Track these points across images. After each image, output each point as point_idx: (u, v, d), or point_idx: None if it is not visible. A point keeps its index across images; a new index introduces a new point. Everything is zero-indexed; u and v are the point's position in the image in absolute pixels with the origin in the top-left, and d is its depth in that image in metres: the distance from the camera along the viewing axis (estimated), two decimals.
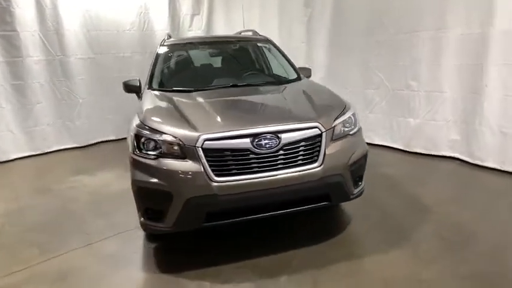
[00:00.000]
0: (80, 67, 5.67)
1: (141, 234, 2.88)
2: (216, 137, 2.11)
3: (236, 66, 3.66)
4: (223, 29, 6.81)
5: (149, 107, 2.54)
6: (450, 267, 2.22)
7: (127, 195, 3.55)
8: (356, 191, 2.45)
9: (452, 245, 2.47)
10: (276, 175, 2.14)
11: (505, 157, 3.60)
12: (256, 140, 2.12)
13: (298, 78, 3.35)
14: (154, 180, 2.12)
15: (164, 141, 2.16)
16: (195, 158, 2.09)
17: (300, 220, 2.88)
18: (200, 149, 2.08)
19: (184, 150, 2.11)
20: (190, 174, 2.07)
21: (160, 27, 6.33)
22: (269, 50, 3.82)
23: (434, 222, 2.78)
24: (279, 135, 2.16)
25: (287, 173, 2.15)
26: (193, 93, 2.87)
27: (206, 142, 2.10)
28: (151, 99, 2.73)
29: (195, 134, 2.12)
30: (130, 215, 3.17)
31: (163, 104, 2.63)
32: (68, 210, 3.47)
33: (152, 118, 2.32)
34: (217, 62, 3.77)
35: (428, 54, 4.06)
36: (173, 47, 3.67)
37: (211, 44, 3.85)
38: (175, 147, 2.13)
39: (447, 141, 4.13)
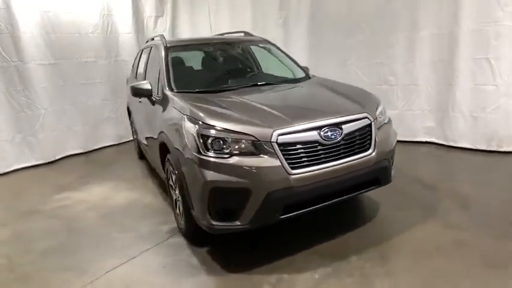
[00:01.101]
0: (40, 74, 5.15)
1: (180, 240, 2.83)
2: (289, 131, 2.22)
3: (244, 66, 3.75)
4: (188, 32, 6.76)
5: (198, 107, 2.50)
6: (480, 228, 2.63)
7: (138, 205, 3.46)
8: (393, 173, 2.75)
9: (473, 211, 2.91)
10: (340, 163, 2.32)
11: (476, 137, 4.27)
12: (323, 132, 2.28)
13: (308, 77, 3.57)
14: (232, 178, 2.14)
15: (237, 139, 2.20)
16: (271, 153, 2.16)
17: (333, 210, 3.08)
18: (275, 144, 2.17)
19: (258, 146, 2.18)
20: (269, 169, 2.14)
21: (125, 29, 6.05)
22: (269, 50, 3.97)
23: (447, 197, 3.21)
24: (341, 126, 2.35)
25: (349, 161, 2.35)
26: (226, 93, 2.92)
27: (280, 137, 2.19)
28: (189, 100, 2.69)
29: (268, 129, 2.20)
30: (156, 225, 3.11)
31: (210, 104, 2.62)
32: (77, 229, 3.20)
33: (215, 118, 2.32)
34: (225, 62, 3.80)
35: (404, 52, 4.61)
36: (179, 48, 3.61)
37: (215, 45, 3.86)
38: (248, 144, 2.18)
39: (423, 128, 4.73)
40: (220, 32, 4.74)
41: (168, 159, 2.85)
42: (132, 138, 5.74)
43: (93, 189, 4.15)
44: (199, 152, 2.23)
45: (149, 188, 4.06)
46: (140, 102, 3.90)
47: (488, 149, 4.20)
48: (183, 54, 3.65)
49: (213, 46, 3.83)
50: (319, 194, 2.31)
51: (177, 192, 2.80)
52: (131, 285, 2.34)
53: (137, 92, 3.29)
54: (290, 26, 5.57)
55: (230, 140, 2.20)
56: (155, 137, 3.18)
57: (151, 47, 4.12)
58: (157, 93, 3.26)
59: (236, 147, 2.19)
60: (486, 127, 4.16)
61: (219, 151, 2.20)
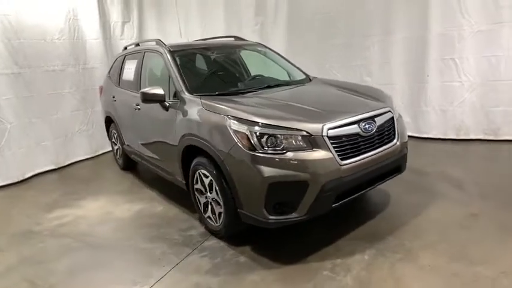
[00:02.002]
0: (2, 85, 4.72)
1: (216, 242, 2.88)
2: (336, 125, 2.43)
3: (250, 69, 3.88)
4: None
5: (240, 108, 2.60)
6: (482, 202, 3.10)
7: (148, 215, 3.46)
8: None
9: (469, 189, 3.40)
10: (376, 153, 2.60)
11: (446, 128, 4.91)
12: (362, 125, 2.54)
13: (309, 78, 3.83)
14: (290, 172, 2.28)
15: (290, 135, 2.35)
16: (323, 146, 2.35)
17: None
18: (326, 137, 2.37)
19: (311, 141, 2.35)
20: (323, 162, 2.32)
21: (92, 35, 5.79)
22: (265, 53, 4.16)
23: (439, 180, 3.67)
24: (374, 119, 2.64)
25: (382, 150, 2.64)
26: (249, 95, 3.06)
27: (329, 131, 2.39)
28: (222, 102, 2.77)
29: (318, 124, 2.39)
30: (182, 231, 3.14)
31: (249, 104, 2.73)
32: (98, 244, 3.06)
33: (265, 116, 2.44)
34: (230, 65, 3.90)
35: (379, 54, 5.13)
36: (184, 53, 3.64)
37: (217, 49, 3.95)
38: (301, 139, 2.35)
39: None
40: (203, 37, 4.81)
41: (198, 163, 2.88)
42: (111, 149, 5.51)
43: (88, 205, 3.93)
44: (254, 150, 2.34)
45: (151, 197, 3.98)
46: (138, 109, 3.83)
47: (457, 137, 4.86)
48: (188, 58, 3.67)
49: (215, 50, 3.91)
50: (361, 182, 2.56)
51: (210, 194, 2.85)
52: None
53: (149, 98, 3.24)
54: (267, 32, 5.84)
55: (284, 136, 2.35)
56: (173, 142, 3.18)
57: (144, 52, 4.06)
58: (169, 98, 3.26)
59: (289, 142, 2.35)
60: (454, 119, 4.82)
61: (274, 148, 2.34)
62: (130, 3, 6.44)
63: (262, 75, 3.80)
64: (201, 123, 2.78)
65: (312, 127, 2.38)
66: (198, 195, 3.05)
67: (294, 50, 5.62)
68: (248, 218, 2.53)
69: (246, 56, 4.13)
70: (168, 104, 3.23)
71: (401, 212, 3.08)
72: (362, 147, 2.54)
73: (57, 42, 5.31)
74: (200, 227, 3.15)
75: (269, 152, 2.33)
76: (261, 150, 2.34)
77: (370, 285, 2.22)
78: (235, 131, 2.45)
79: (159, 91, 3.20)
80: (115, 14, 6.21)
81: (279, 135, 2.35)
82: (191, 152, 3.01)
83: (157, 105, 3.37)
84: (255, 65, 4.05)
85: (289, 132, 2.36)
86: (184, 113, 3.00)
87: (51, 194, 4.35)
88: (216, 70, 3.78)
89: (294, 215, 2.38)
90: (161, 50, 3.61)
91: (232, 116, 2.52)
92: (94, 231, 3.30)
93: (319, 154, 2.34)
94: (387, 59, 5.09)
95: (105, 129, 5.82)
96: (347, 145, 2.46)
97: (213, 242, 2.90)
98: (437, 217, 2.95)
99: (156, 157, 3.67)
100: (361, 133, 2.53)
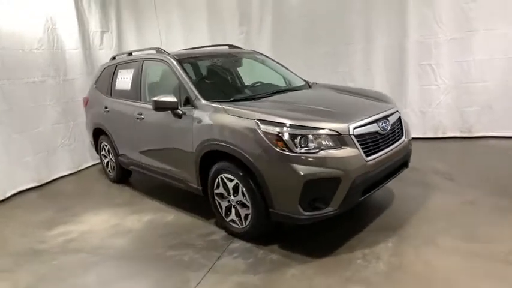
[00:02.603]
0: None
1: (243, 244, 2.98)
2: (360, 125, 2.68)
3: (254, 76, 4.05)
4: (136, 48, 6.64)
5: (267, 112, 2.75)
6: (474, 190, 3.48)
7: (161, 224, 3.52)
8: None
9: (459, 180, 3.79)
10: (391, 149, 2.87)
11: (425, 128, 5.40)
12: (380, 124, 2.81)
13: (308, 84, 4.08)
14: (324, 170, 2.47)
15: (322, 135, 2.55)
16: (350, 144, 2.58)
17: None
18: (353, 136, 2.60)
19: (339, 140, 2.57)
20: (352, 158, 2.54)
21: (71, 45, 5.65)
22: (263, 61, 4.37)
23: (430, 174, 4.05)
24: (388, 118, 2.92)
25: (395, 147, 2.93)
26: (263, 100, 3.25)
27: (355, 130, 2.63)
28: (245, 106, 2.93)
29: (345, 124, 2.61)
30: (204, 236, 3.22)
31: (273, 108, 2.90)
32: (120, 257, 3.03)
33: (295, 118, 2.62)
34: (235, 73, 4.04)
35: (362, 61, 5.54)
36: (189, 60, 3.73)
37: (220, 57, 4.08)
38: (330, 139, 2.56)
39: None
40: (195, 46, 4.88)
41: (220, 167, 2.99)
42: (93, 163, 5.39)
43: (90, 219, 3.84)
44: (289, 150, 2.51)
45: (157, 207, 3.97)
46: (141, 119, 3.84)
47: (436, 136, 5.36)
48: (195, 66, 3.77)
49: (219, 58, 4.04)
50: (380, 177, 2.82)
51: (234, 198, 2.97)
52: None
53: (161, 106, 3.30)
54: (252, 41, 6.04)
55: (314, 136, 2.54)
56: (188, 149, 3.25)
57: (142, 61, 4.09)
58: (180, 106, 3.32)
59: (320, 142, 2.55)
60: (433, 119, 5.32)
61: (306, 147, 2.53)
62: (108, 12, 6.37)
63: (268, 82, 3.98)
64: (225, 128, 2.89)
65: (340, 127, 2.60)
66: (218, 199, 3.14)
67: (279, 58, 5.80)
68: (280, 216, 2.68)
69: (246, 63, 4.29)
70: (181, 112, 3.30)
71: (407, 204, 3.38)
72: (380, 144, 2.80)
73: (36, 52, 5.14)
74: (220, 231, 3.23)
75: (303, 151, 2.51)
76: (295, 150, 2.51)
77: (402, 268, 2.45)
78: (266, 133, 2.60)
79: (172, 99, 3.27)
80: (93, 24, 6.11)
81: (310, 135, 2.54)
82: (210, 158, 3.12)
83: (167, 114, 3.42)
84: (255, 72, 4.22)
85: (320, 132, 2.56)
86: (203, 120, 3.10)
87: (43, 211, 4.18)
88: (223, 77, 3.91)
89: (327, 209, 2.57)
90: (166, 58, 3.67)
91: (262, 120, 2.67)
92: (109, 243, 3.26)
93: (348, 151, 2.56)
94: (369, 65, 5.51)
95: (88, 143, 5.74)
96: (369, 143, 2.71)
97: (239, 244, 3.00)
98: (440, 206, 3.29)
99: (165, 166, 3.70)
100: (380, 131, 2.80)
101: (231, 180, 2.95)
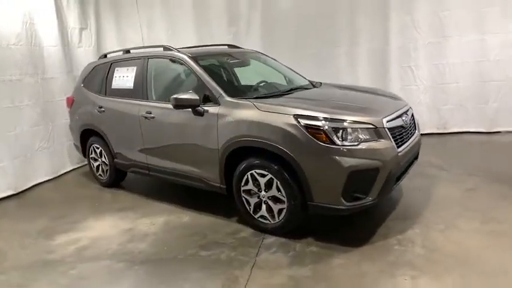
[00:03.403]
0: None
1: (276, 239, 2.97)
2: (391, 118, 2.81)
3: (263, 74, 4.04)
4: (116, 46, 6.31)
5: (305, 107, 2.78)
6: (473, 178, 3.79)
7: (179, 226, 3.41)
8: None
9: (455, 171, 4.10)
10: (411, 142, 3.05)
11: None
12: (403, 118, 2.97)
13: (312, 84, 4.18)
14: (365, 161, 2.56)
15: (360, 128, 2.64)
16: (385, 137, 2.69)
17: None
18: (387, 129, 2.73)
19: (375, 132, 2.68)
20: (388, 150, 2.65)
21: (50, 42, 5.23)
22: (265, 61, 4.40)
23: (425, 166, 4.33)
24: (407, 113, 3.11)
25: (413, 140, 3.11)
26: (286, 97, 3.29)
27: (387, 123, 2.76)
28: (275, 103, 2.94)
29: (379, 118, 2.73)
30: (231, 234, 3.19)
31: (308, 104, 2.94)
32: (150, 261, 2.85)
33: (334, 112, 2.68)
34: (246, 72, 4.02)
35: (347, 63, 5.79)
36: (205, 58, 3.64)
37: (229, 56, 4.03)
38: (368, 131, 2.66)
39: None
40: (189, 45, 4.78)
41: (251, 164, 2.96)
42: (72, 168, 5.25)
43: (95, 225, 3.58)
44: (332, 143, 2.57)
45: (166, 209, 3.80)
46: (150, 118, 3.67)
47: None
48: (210, 65, 3.69)
49: (228, 57, 4.00)
50: (406, 167, 2.99)
51: (265, 193, 2.96)
52: (296, 281, 2.43)
53: (183, 103, 3.20)
54: (240, 42, 6.02)
55: (353, 129, 2.63)
56: (212, 147, 3.18)
57: (147, 59, 3.91)
58: (201, 103, 3.24)
59: (358, 135, 2.64)
60: None
61: (348, 140, 2.60)
62: (87, 8, 5.99)
63: (275, 81, 4.01)
64: (258, 124, 2.86)
65: (376, 120, 2.72)
66: (246, 197, 3.11)
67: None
68: (320, 208, 2.72)
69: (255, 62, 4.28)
70: (203, 109, 3.22)
71: (416, 195, 3.59)
72: (404, 137, 2.97)
73: (14, 49, 4.69)
74: (246, 229, 3.19)
75: (344, 144, 2.58)
76: (337, 143, 2.58)
77: (437, 250, 2.61)
78: (307, 127, 2.64)
79: (194, 96, 3.18)
80: (72, 20, 5.71)
81: (350, 129, 2.63)
82: (236, 155, 3.08)
83: (184, 112, 3.32)
84: (261, 72, 4.23)
85: (359, 125, 2.65)
86: (230, 116, 3.05)
87: (33, 220, 3.81)
88: (236, 76, 3.87)
89: (366, 199, 2.66)
90: (180, 56, 3.56)
91: (301, 115, 2.70)
92: (129, 249, 3.06)
93: (384, 144, 2.68)
94: (354, 67, 5.77)
95: (69, 146, 5.42)
96: (397, 135, 2.86)
97: (272, 239, 2.98)
98: (446, 194, 3.55)
99: (180, 165, 3.56)
100: (404, 125, 2.97)
101: (264, 176, 2.93)
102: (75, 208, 4.09)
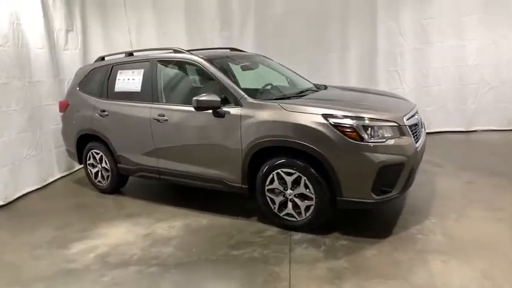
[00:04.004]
0: None
1: (304, 235, 3.09)
2: (409, 117, 3.05)
3: (270, 77, 4.16)
4: (103, 49, 6.17)
5: (334, 107, 2.94)
6: (469, 173, 4.14)
7: (199, 229, 3.44)
8: None
9: (450, 167, 4.45)
10: (422, 139, 3.32)
11: None
12: (416, 117, 3.23)
13: (316, 86, 4.38)
14: (393, 156, 2.76)
15: (385, 126, 2.84)
16: (407, 134, 2.91)
17: None
18: (408, 126, 2.96)
19: (398, 130, 2.89)
20: (410, 146, 2.87)
21: (37, 43, 5.03)
22: (269, 64, 4.54)
23: (422, 163, 4.68)
24: (417, 112, 3.38)
25: (423, 137, 3.38)
26: (305, 98, 3.43)
27: (407, 121, 2.99)
28: (302, 104, 3.09)
29: (401, 116, 2.95)
30: (256, 233, 3.27)
31: (335, 104, 3.13)
32: (181, 264, 2.85)
33: (363, 111, 2.86)
34: (254, 74, 4.11)
35: (338, 67, 6.08)
36: (219, 61, 3.70)
37: (239, 59, 4.11)
38: (392, 129, 2.86)
39: None
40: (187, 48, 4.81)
41: (277, 163, 3.07)
42: (60, 176, 5.16)
43: (109, 232, 3.50)
44: (362, 141, 2.75)
45: (180, 212, 3.77)
46: (163, 120, 3.67)
47: None
48: (224, 67, 3.75)
49: (239, 60, 4.08)
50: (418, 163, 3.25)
51: (292, 191, 3.07)
52: (338, 273, 2.55)
53: (205, 105, 3.26)
54: (234, 46, 6.13)
55: (379, 127, 2.83)
56: (236, 148, 3.25)
57: (156, 62, 3.89)
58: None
59: (384, 132, 2.84)
60: None
61: (376, 137, 2.80)
62: (73, 9, 5.80)
63: (281, 84, 4.16)
64: (286, 124, 2.98)
65: (398, 118, 2.94)
66: (271, 196, 3.20)
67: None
68: (349, 203, 2.89)
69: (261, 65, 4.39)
70: (224, 111, 3.29)
71: (419, 189, 3.82)
72: (418, 134, 3.23)
73: (1, 50, 4.46)
74: (271, 227, 3.27)
75: (374, 141, 2.77)
76: (367, 140, 2.76)
77: (457, 237, 2.86)
78: (337, 126, 2.80)
79: (216, 98, 3.25)
80: (58, 21, 5.50)
81: (377, 126, 2.83)
82: (260, 155, 3.17)
83: (203, 113, 3.37)
84: (269, 74, 4.35)
85: (385, 123, 2.86)
86: (254, 117, 3.14)
87: (36, 231, 3.65)
88: (249, 78, 3.96)
89: (392, 193, 2.87)
90: (196, 59, 3.60)
91: (329, 114, 2.86)
92: (155, 253, 3.03)
93: (406, 140, 2.90)
94: (345, 71, 6.08)
95: (58, 152, 5.26)
96: (413, 132, 3.10)
97: (299, 236, 3.10)
98: (448, 187, 3.86)
99: (197, 168, 3.58)
100: (418, 123, 3.23)
101: (290, 174, 3.05)
102: (78, 216, 3.96)
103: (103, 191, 4.55)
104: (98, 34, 6.16)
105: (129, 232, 3.48)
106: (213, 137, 3.42)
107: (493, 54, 5.67)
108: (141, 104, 3.90)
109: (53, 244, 3.36)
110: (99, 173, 4.51)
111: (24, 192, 4.71)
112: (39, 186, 4.94)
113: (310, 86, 4.23)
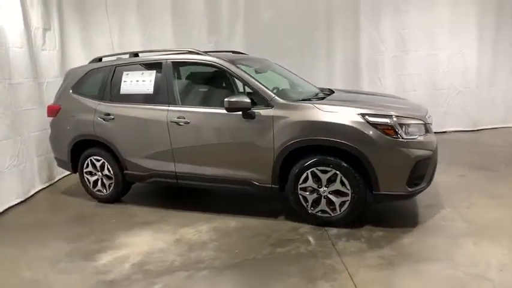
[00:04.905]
0: None
1: (338, 230, 3.30)
2: (428, 116, 3.43)
3: (279, 80, 4.33)
4: (81, 51, 5.93)
5: (363, 107, 3.21)
6: (461, 168, 4.66)
7: (236, 229, 3.55)
8: None
9: (443, 163, 4.99)
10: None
11: None
12: (428, 115, 3.63)
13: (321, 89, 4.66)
14: (425, 151, 3.11)
15: (417, 124, 3.18)
16: (430, 131, 3.28)
17: None
18: (430, 124, 3.33)
19: (424, 127, 3.24)
20: (433, 142, 3.25)
21: (16, 42, 4.68)
22: (274, 69, 4.72)
23: None
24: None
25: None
26: (328, 99, 3.69)
27: (428, 119, 3.36)
28: (335, 104, 3.33)
29: (424, 115, 3.31)
30: (289, 231, 3.38)
31: (361, 104, 3.39)
32: (232, 266, 2.89)
33: (397, 111, 3.17)
34: (265, 78, 4.25)
35: (324, 73, 6.46)
36: (240, 64, 3.79)
37: (250, 62, 4.23)
38: (419, 126, 3.21)
39: None
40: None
41: (311, 162, 3.26)
42: (42, 187, 4.88)
43: (134, 241, 3.38)
44: (400, 138, 3.05)
45: (202, 217, 3.74)
46: (183, 123, 3.67)
47: None
48: (245, 70, 3.83)
49: (253, 63, 4.21)
50: None
51: (326, 189, 3.28)
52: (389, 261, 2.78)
53: (236, 107, 3.35)
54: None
55: (413, 125, 3.17)
56: (268, 149, 3.37)
57: (171, 63, 3.86)
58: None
59: (414, 130, 3.18)
60: None
61: (409, 134, 3.12)
62: (50, 7, 5.48)
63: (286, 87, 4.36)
64: (324, 123, 3.19)
65: (423, 117, 3.30)
66: (303, 194, 3.37)
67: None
68: (385, 196, 3.18)
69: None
70: (254, 112, 3.40)
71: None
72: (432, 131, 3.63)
73: None
74: (303, 224, 3.43)
75: (408, 137, 3.09)
76: (403, 137, 3.07)
77: (476, 222, 3.27)
78: (376, 124, 3.08)
79: (247, 99, 3.36)
80: (35, 19, 5.16)
81: (409, 124, 3.15)
82: (292, 155, 3.35)
83: (231, 115, 3.45)
84: (277, 78, 4.53)
85: (415, 121, 3.20)
86: (289, 118, 3.29)
87: (46, 245, 3.42)
88: (266, 81, 4.08)
89: (422, 185, 3.20)
90: (217, 61, 3.68)
91: (367, 113, 3.13)
92: (196, 257, 3.01)
93: (430, 136, 3.27)
94: (331, 76, 6.48)
95: (42, 161, 4.99)
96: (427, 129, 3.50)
97: (335, 231, 3.28)
98: (444, 182, 4.26)
99: (222, 170, 3.62)
100: (431, 122, 3.63)
101: (326, 172, 3.25)
102: (88, 227, 3.76)
103: (103, 200, 4.35)
104: (77, 35, 5.89)
105: (155, 239, 3.40)
106: (241, 138, 3.50)
107: (460, 63, 6.46)
108: (156, 107, 3.85)
109: (74, 257, 3.17)
110: (99, 182, 4.30)
111: (7, 206, 4.33)
112: (22, 199, 4.57)
113: (317, 89, 4.49)
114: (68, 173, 5.46)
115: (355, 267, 2.72)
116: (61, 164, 4.62)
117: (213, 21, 6.15)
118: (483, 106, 6.61)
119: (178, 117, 3.70)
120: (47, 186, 5.09)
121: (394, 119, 3.11)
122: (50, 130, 4.67)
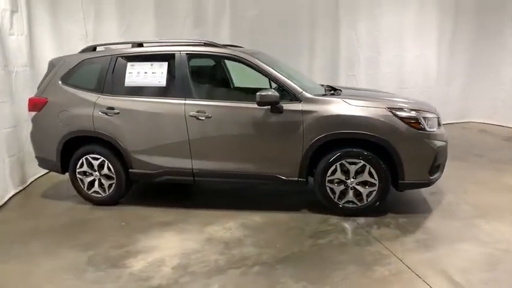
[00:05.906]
0: None
1: (365, 218, 3.49)
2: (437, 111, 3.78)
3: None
4: (50, 37, 5.39)
5: (389, 102, 3.45)
6: (458, 160, 5.14)
7: (264, 224, 3.59)
8: None
9: None
10: None
11: None
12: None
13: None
14: (442, 142, 3.43)
15: (434, 118, 3.47)
16: (441, 124, 3.64)
17: None
18: (440, 118, 3.68)
19: (438, 121, 3.57)
20: (445, 133, 3.58)
21: None
22: (279, 64, 4.76)
23: None
24: None
25: None
26: (345, 94, 3.87)
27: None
28: (362, 99, 3.52)
29: (436, 110, 3.65)
30: (322, 222, 3.52)
31: (387, 100, 3.64)
32: (281, 260, 2.89)
33: (416, 106, 3.44)
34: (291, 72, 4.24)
35: (305, 69, 6.67)
36: (259, 57, 3.77)
37: (261, 56, 4.20)
38: (434, 120, 3.53)
39: None
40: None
41: (340, 154, 3.40)
42: (16, 191, 4.39)
43: (160, 244, 3.20)
44: (424, 130, 3.33)
45: (222, 214, 3.66)
46: (205, 118, 3.56)
47: None
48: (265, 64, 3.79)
49: (266, 58, 4.19)
50: None
51: (354, 180, 3.45)
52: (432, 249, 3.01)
53: (266, 101, 3.37)
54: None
55: (431, 118, 3.47)
56: (297, 143, 3.43)
57: (186, 55, 3.70)
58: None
59: (433, 123, 3.49)
60: None
61: (430, 126, 3.42)
62: None
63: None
64: (354, 117, 3.35)
65: (436, 111, 3.64)
66: (331, 186, 3.50)
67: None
68: (410, 185, 3.46)
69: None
70: (283, 106, 3.45)
71: None
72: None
73: None
74: (331, 216, 3.55)
75: (431, 130, 3.40)
76: (427, 129, 3.36)
77: (479, 205, 3.68)
78: (403, 118, 3.32)
79: (276, 93, 3.39)
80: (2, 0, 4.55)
81: (429, 118, 3.46)
82: (320, 149, 3.47)
83: (258, 109, 3.46)
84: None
85: (433, 115, 3.51)
86: (319, 112, 3.39)
87: (59, 254, 3.11)
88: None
89: (438, 174, 3.54)
90: (241, 54, 3.67)
91: (394, 107, 3.36)
92: (241, 254, 2.97)
93: (442, 129, 3.62)
94: (311, 74, 6.69)
95: (13, 161, 4.43)
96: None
97: (363, 220, 3.46)
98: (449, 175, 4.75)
99: (247, 165, 3.60)
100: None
101: (355, 164, 3.42)
102: (96, 233, 3.46)
103: (100, 203, 4.01)
104: (45, 20, 5.29)
105: (184, 240, 3.27)
106: (269, 132, 3.52)
107: (422, 63, 7.16)
108: (170, 101, 3.67)
109: (99, 265, 2.91)
110: (96, 182, 3.96)
111: None
112: None
113: (320, 85, 4.64)
114: (40, 174, 4.95)
115: (400, 252, 2.92)
116: (45, 164, 4.16)
117: (199, 15, 6.01)
118: (441, 102, 7.37)
119: (198, 111, 3.58)
120: (20, 191, 4.53)
121: (419, 113, 3.39)
122: (29, 126, 4.17)
